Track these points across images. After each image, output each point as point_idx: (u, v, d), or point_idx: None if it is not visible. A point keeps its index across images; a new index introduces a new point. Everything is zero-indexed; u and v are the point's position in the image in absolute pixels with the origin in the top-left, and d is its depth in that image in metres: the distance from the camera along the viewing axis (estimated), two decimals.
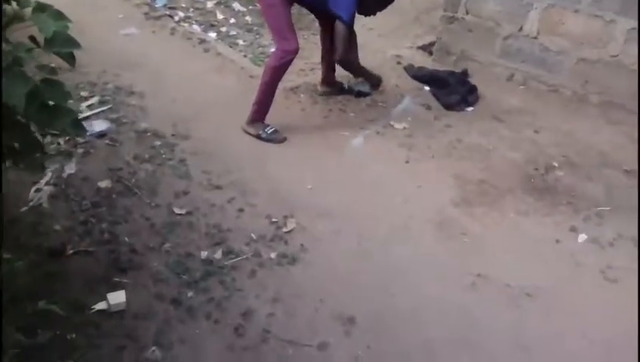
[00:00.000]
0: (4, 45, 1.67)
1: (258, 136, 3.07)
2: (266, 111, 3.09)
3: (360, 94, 3.37)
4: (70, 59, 1.76)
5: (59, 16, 1.77)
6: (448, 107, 3.50)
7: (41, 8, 1.71)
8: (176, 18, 4.61)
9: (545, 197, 2.81)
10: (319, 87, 3.54)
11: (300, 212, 2.57)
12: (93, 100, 3.29)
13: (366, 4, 2.92)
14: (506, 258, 2.42)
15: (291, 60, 2.96)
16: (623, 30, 3.37)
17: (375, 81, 3.40)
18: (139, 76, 3.61)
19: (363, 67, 3.30)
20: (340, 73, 3.43)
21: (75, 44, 1.75)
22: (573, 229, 2.60)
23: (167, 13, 4.69)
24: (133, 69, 3.70)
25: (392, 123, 3.29)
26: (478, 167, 2.99)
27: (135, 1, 4.95)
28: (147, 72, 3.68)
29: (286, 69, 3.00)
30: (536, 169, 3.01)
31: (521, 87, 3.81)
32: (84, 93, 3.34)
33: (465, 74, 3.85)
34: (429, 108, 3.50)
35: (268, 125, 3.09)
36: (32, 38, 1.72)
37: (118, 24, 4.44)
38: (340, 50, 2.94)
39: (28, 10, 1.70)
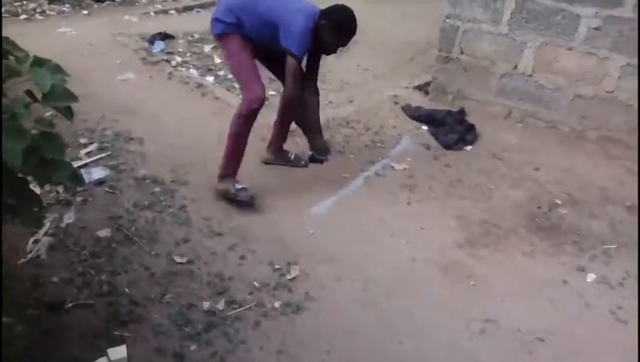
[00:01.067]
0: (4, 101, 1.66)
1: (226, 193, 2.84)
2: (236, 167, 2.89)
3: (314, 159, 3.04)
4: (67, 113, 1.75)
5: (56, 69, 1.77)
6: (447, 146, 3.50)
7: (38, 63, 1.71)
8: (174, 63, 4.66)
9: (550, 236, 2.77)
10: (265, 154, 3.28)
11: (303, 258, 2.52)
12: (92, 147, 3.28)
13: (323, 42, 2.75)
14: (515, 301, 2.36)
15: (257, 110, 2.77)
16: (617, 67, 3.41)
17: (320, 147, 2.99)
18: (137, 122, 3.62)
19: (315, 127, 3.00)
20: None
21: (73, 97, 1.73)
22: (581, 269, 2.56)
23: (165, 58, 4.75)
24: (132, 114, 3.72)
25: (392, 164, 3.29)
26: (480, 207, 2.97)
27: (133, 46, 5.03)
28: (145, 118, 3.69)
29: (253, 120, 2.80)
30: (539, 207, 2.99)
31: (519, 124, 3.83)
32: (82, 140, 3.33)
33: (462, 113, 3.87)
34: (428, 147, 3.51)
35: (237, 181, 2.88)
36: (30, 93, 1.71)
37: (116, 70, 4.49)
38: (289, 86, 2.74)
39: (26, 65, 1.70)
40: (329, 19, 2.69)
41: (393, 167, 3.28)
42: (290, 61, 2.69)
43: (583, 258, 2.64)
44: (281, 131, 3.23)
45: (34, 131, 1.72)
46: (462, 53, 3.90)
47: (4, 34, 1.67)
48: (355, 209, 2.92)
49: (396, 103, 4.01)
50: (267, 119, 3.28)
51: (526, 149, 3.56)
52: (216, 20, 2.82)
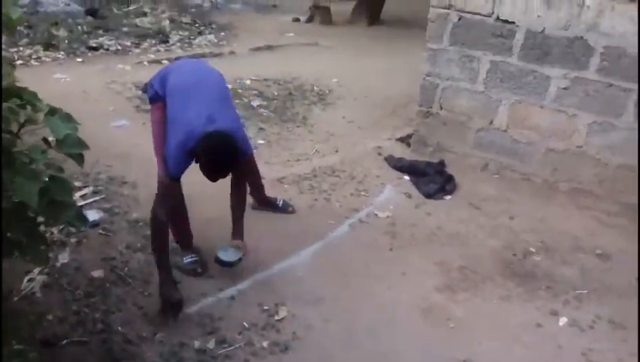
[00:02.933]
0: (19, 146, 1.79)
1: (176, 263, 2.71)
2: (184, 237, 2.84)
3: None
4: (79, 159, 1.89)
5: (68, 118, 1.92)
6: (428, 196, 3.68)
7: (52, 112, 1.86)
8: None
9: (525, 282, 2.92)
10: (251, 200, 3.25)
11: (291, 300, 2.63)
12: (87, 190, 3.39)
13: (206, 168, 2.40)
14: (492, 343, 2.49)
15: (170, 194, 2.51)
16: (585, 123, 3.66)
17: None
18: (131, 166, 3.74)
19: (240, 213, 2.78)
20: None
21: (84, 145, 1.88)
22: (554, 313, 2.70)
23: None
24: (125, 159, 3.84)
25: (375, 212, 3.45)
26: (459, 254, 3.12)
27: (126, 94, 5.20)
28: (139, 162, 3.80)
29: (170, 200, 2.51)
30: (515, 255, 3.15)
31: (495, 176, 4.04)
32: (77, 183, 3.44)
33: (442, 164, 4.07)
34: (409, 196, 3.68)
35: (190, 255, 2.81)
36: (45, 140, 1.86)
37: (110, 116, 4.63)
38: (154, 204, 2.48)
39: (41, 114, 1.85)
40: (202, 149, 2.34)
41: (377, 214, 3.43)
42: (159, 175, 2.55)
43: (556, 302, 2.78)
44: (252, 185, 3.20)
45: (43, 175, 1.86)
46: (441, 108, 4.13)
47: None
48: (340, 254, 3.05)
49: (379, 154, 4.21)
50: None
51: (502, 199, 3.75)
52: (150, 85, 2.74)
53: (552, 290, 2.88)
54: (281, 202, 3.41)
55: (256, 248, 3.00)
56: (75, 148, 1.88)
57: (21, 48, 6.70)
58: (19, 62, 6.33)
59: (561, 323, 2.64)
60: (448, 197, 3.74)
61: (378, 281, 2.85)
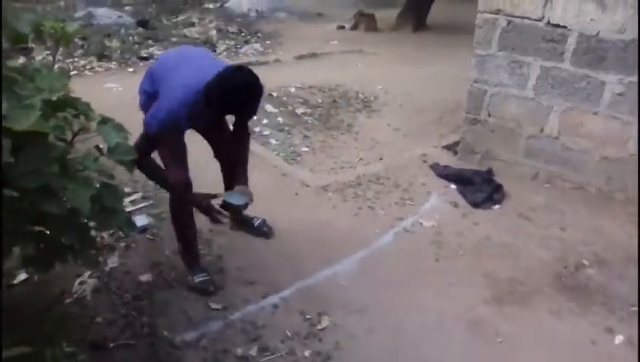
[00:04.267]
0: (72, 153, 1.85)
1: (187, 283, 2.72)
2: (194, 254, 2.79)
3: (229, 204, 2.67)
4: (130, 165, 1.94)
5: (119, 128, 1.97)
6: (475, 205, 3.60)
7: (104, 121, 1.91)
8: None
9: (577, 296, 2.81)
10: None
11: (334, 309, 2.61)
12: (136, 196, 3.48)
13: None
14: (542, 360, 2.39)
15: (185, 194, 2.56)
16: None
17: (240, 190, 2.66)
18: None
19: (242, 168, 2.74)
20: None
21: (134, 153, 1.93)
22: (609, 330, 2.58)
23: None
24: None
25: (420, 221, 3.39)
26: (507, 265, 3.03)
27: None
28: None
29: (185, 204, 2.63)
30: (566, 267, 3.04)
31: (546, 185, 3.90)
32: (127, 189, 3.53)
33: (490, 173, 3.97)
34: (456, 205, 3.60)
35: (201, 272, 2.73)
36: (98, 148, 1.91)
37: None
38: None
39: (94, 123, 1.91)
40: (220, 87, 2.31)
41: (422, 223, 3.38)
42: (142, 132, 2.50)
43: (612, 319, 2.66)
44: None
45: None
46: (489, 115, 4.04)
47: None
48: (384, 263, 3.01)
49: (425, 162, 4.14)
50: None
51: (553, 209, 3.62)
52: (142, 92, 2.64)
53: (607, 306, 2.75)
54: (257, 221, 3.18)
55: (300, 256, 3.01)
56: (125, 155, 1.93)
57: (76, 59, 6.98)
58: (74, 72, 6.59)
59: (617, 342, 2.52)
60: (496, 206, 3.64)
61: (423, 292, 2.80)
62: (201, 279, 2.71)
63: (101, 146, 1.87)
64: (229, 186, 2.93)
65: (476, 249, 3.17)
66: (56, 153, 1.52)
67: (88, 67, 6.88)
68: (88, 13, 10.52)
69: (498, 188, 3.79)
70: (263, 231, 3.16)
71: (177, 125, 2.40)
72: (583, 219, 3.51)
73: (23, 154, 1.41)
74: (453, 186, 3.82)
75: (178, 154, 2.51)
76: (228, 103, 2.36)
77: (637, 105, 3.44)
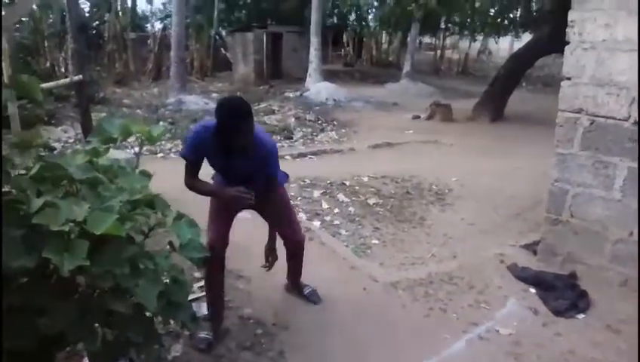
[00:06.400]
0: (149, 245, 1.91)
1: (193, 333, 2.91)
2: (217, 319, 2.99)
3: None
4: (198, 262, 1.97)
5: (192, 223, 2.03)
6: (558, 313, 3.33)
7: (179, 217, 1.97)
8: None
9: None
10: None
11: None
12: None
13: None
14: None
15: (214, 257, 2.76)
16: None
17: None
18: (248, 261, 3.83)
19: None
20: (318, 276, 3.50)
21: (204, 250, 1.97)
22: None
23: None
24: (244, 253, 3.95)
25: (496, 328, 3.17)
26: None
27: None
28: (255, 257, 3.88)
29: (214, 267, 2.86)
30: None
31: (637, 293, 3.57)
32: (197, 274, 3.58)
33: (573, 277, 3.71)
34: (536, 312, 3.35)
35: (208, 332, 2.92)
36: (171, 244, 1.96)
37: None
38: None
39: (170, 219, 1.97)
40: (217, 114, 2.52)
41: (498, 331, 3.15)
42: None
43: None
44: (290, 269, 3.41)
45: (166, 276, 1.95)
46: (572, 216, 3.83)
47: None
48: None
49: (502, 262, 3.94)
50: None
51: None
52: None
53: None
54: (308, 290, 3.42)
55: (366, 358, 2.87)
56: (195, 252, 1.98)
57: (163, 142, 7.44)
58: (160, 155, 7.02)
59: None
60: (581, 315, 3.35)
61: None
62: (203, 336, 2.89)
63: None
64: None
65: None
66: (129, 253, 1.56)
67: (174, 150, 7.31)
68: (178, 100, 11.36)
69: (583, 294, 3.51)
70: (312, 299, 3.37)
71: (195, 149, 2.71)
72: None
73: (98, 255, 1.46)
74: (532, 290, 3.58)
75: (220, 222, 2.90)
76: (218, 120, 2.52)
77: None
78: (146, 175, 1.78)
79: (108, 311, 1.58)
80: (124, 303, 1.59)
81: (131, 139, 2.14)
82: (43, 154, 2.04)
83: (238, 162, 2.73)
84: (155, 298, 1.73)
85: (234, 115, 2.49)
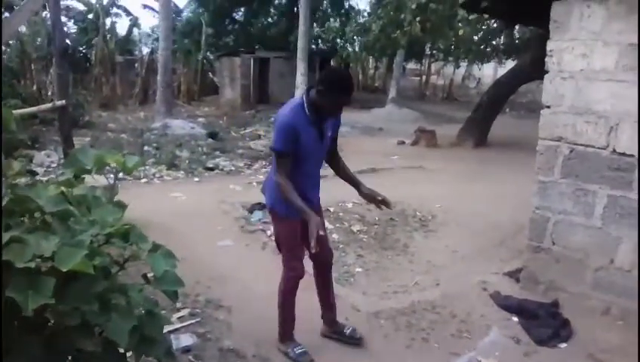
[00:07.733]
0: (121, 277, 1.87)
1: (286, 354, 3.01)
2: (289, 329, 3.07)
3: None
4: (173, 296, 1.93)
5: (169, 254, 1.99)
6: (540, 342, 3.31)
7: (155, 248, 1.94)
8: (269, 233, 4.95)
9: None
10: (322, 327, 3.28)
11: None
12: (184, 312, 3.45)
13: (323, 108, 2.74)
14: None
15: (296, 283, 2.96)
16: None
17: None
18: (229, 289, 3.80)
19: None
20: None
21: (180, 283, 1.93)
22: None
23: (261, 228, 5.07)
24: (225, 281, 3.92)
25: (479, 358, 3.13)
26: None
27: (234, 214, 5.45)
28: (237, 286, 3.86)
29: (293, 291, 2.99)
30: None
31: (619, 322, 3.57)
32: (177, 304, 3.52)
33: (555, 305, 3.70)
34: (518, 341, 3.33)
35: (298, 345, 3.03)
36: (145, 276, 1.92)
37: (216, 235, 4.84)
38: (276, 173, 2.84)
39: (145, 251, 1.93)
40: (324, 82, 2.67)
41: (480, 361, 3.12)
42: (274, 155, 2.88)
43: None
44: (323, 302, 3.22)
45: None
46: (553, 243, 3.84)
47: (126, 196, 1.93)
48: None
49: (485, 289, 3.93)
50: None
51: (629, 352, 3.27)
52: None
53: None
54: (349, 330, 3.24)
55: None
56: (171, 285, 1.94)
57: (147, 167, 7.40)
58: (143, 180, 6.97)
59: None
60: (563, 345, 3.33)
61: None
62: (300, 351, 2.98)
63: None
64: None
65: None
66: (98, 288, 1.52)
67: (158, 175, 7.26)
68: (164, 124, 11.34)
69: (565, 323, 3.50)
70: (355, 339, 3.20)
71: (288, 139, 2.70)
72: None
73: (66, 292, 1.42)
74: (515, 319, 3.56)
75: (302, 248, 2.93)
76: (338, 91, 2.67)
77: None
78: (121, 206, 1.75)
79: (77, 349, 1.54)
80: (92, 340, 1.54)
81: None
82: (22, 180, 2.01)
83: (326, 129, 2.88)
84: (127, 333, 1.69)
85: (351, 84, 2.74)
